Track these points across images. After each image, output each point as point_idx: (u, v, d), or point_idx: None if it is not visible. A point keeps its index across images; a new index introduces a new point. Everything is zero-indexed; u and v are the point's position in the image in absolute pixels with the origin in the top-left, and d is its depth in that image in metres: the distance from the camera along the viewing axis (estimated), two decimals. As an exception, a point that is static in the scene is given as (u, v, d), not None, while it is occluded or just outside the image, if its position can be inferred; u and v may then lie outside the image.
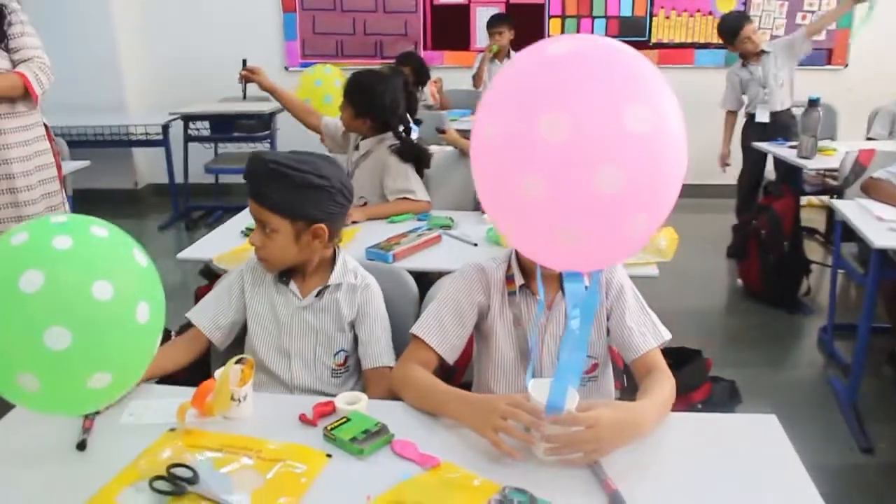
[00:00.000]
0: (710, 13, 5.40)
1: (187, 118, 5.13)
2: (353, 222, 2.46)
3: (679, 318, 1.99)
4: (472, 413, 1.24)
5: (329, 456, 1.22)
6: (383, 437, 1.25)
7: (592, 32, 5.51)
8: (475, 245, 2.27)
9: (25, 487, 1.18)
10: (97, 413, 1.34)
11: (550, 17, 5.51)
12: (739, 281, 3.92)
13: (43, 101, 2.61)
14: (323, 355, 1.64)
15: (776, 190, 3.85)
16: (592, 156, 0.89)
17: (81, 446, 1.27)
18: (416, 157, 2.68)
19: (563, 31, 5.55)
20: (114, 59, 5.50)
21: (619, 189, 0.90)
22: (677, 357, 1.60)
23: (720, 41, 4.40)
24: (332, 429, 1.27)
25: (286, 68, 5.68)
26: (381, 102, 2.61)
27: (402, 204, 2.62)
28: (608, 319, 1.48)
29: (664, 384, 1.34)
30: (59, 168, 2.76)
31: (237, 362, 1.35)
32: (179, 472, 1.17)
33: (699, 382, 1.69)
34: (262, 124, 5.05)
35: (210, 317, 1.64)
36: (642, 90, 0.92)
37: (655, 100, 0.92)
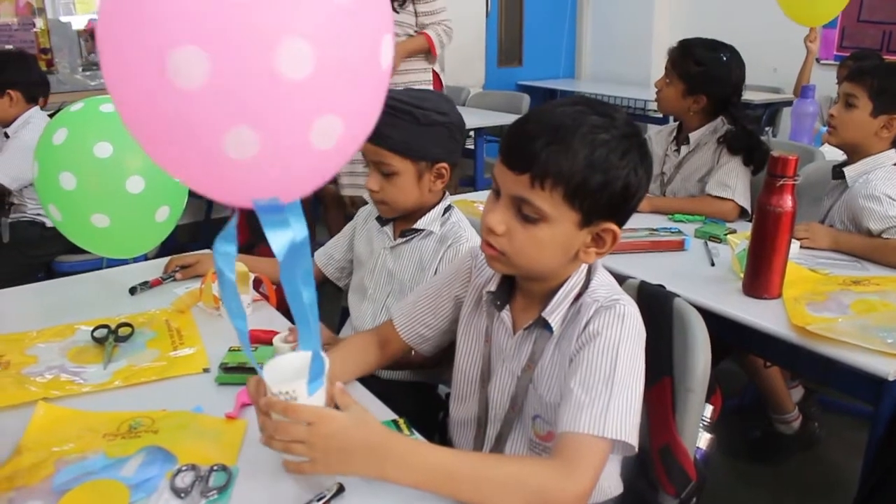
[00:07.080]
0: None
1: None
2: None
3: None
4: None
5: (206, 370, 1.20)
6: (243, 376, 1.15)
7: None
8: (712, 265, 1.71)
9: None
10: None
11: None
12: None
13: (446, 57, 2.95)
14: (392, 304, 1.53)
15: None
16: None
17: (132, 291, 1.52)
18: (759, 156, 2.08)
19: None
20: (647, 36, 5.63)
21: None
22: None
23: None
24: (234, 349, 1.22)
25: (818, 60, 4.89)
26: (722, 74, 2.10)
27: (704, 202, 2.10)
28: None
29: (525, 471, 0.87)
30: None
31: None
32: (122, 331, 1.32)
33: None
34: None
35: (327, 251, 1.70)
36: None
37: None
